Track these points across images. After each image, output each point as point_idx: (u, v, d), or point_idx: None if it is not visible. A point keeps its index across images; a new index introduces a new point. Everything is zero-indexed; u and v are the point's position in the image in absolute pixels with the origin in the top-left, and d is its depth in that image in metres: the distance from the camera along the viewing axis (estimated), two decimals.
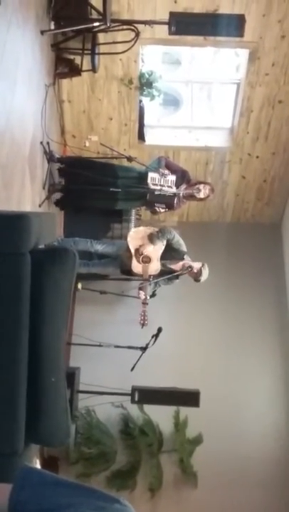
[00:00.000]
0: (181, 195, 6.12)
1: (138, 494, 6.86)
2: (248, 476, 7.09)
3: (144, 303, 5.60)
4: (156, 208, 6.19)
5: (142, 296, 5.60)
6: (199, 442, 7.15)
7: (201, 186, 6.13)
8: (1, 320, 2.82)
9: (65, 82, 7.07)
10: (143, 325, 5.54)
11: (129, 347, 6.19)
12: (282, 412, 7.54)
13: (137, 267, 5.80)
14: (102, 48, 6.59)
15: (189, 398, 6.45)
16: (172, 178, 6.02)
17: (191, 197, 6.22)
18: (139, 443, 7.07)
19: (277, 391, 7.65)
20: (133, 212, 7.38)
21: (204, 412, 6.60)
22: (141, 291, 5.66)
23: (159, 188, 5.99)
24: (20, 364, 2.86)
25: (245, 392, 7.55)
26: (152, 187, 5.98)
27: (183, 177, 6.19)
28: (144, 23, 6.04)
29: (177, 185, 6.07)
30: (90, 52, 6.45)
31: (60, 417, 3.13)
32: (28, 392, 2.91)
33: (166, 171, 6.03)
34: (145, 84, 7.27)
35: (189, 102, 8.55)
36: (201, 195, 6.16)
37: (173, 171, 6.15)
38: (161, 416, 7.10)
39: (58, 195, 6.47)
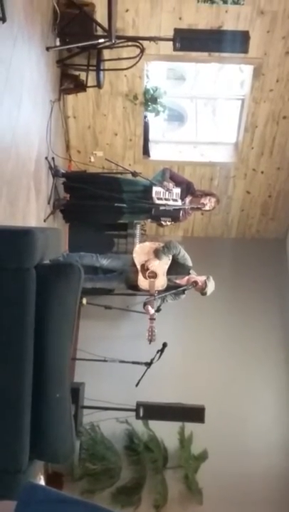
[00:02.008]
0: (186, 208, 6.12)
1: (143, 511, 6.82)
2: (254, 493, 7.03)
3: (152, 318, 5.57)
4: (162, 222, 6.19)
5: (151, 312, 5.57)
6: (204, 458, 7.11)
7: (207, 200, 6.13)
8: (6, 335, 2.82)
9: (70, 98, 7.11)
10: (151, 341, 5.51)
11: (134, 362, 6.18)
12: (287, 429, 7.49)
13: (143, 282, 5.78)
14: (107, 64, 6.63)
15: (194, 414, 6.42)
16: (177, 191, 6.02)
17: (197, 209, 6.22)
18: (143, 459, 7.03)
19: (283, 407, 7.61)
20: (138, 227, 7.38)
21: (209, 428, 6.57)
22: (149, 307, 5.63)
23: (164, 202, 5.98)
24: (25, 379, 2.85)
25: (251, 409, 7.51)
26: (157, 201, 5.97)
27: (188, 189, 6.18)
28: (149, 39, 6.07)
29: (182, 198, 6.07)
30: (95, 68, 6.49)
31: (65, 432, 3.11)
32: (33, 408, 2.90)
33: (171, 185, 6.02)
34: (150, 99, 7.31)
35: (194, 117, 8.60)
36: (207, 207, 6.17)
37: (178, 183, 6.14)
38: (166, 432, 7.06)
39: (63, 207, 6.46)
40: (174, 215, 6.12)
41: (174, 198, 6.01)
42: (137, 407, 6.40)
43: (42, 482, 5.85)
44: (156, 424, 6.96)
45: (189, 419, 6.63)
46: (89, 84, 6.65)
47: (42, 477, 6.28)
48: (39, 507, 1.58)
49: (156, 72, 7.83)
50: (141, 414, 6.42)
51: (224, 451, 7.14)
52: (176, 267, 5.84)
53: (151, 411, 6.49)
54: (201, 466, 7.10)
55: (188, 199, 6.17)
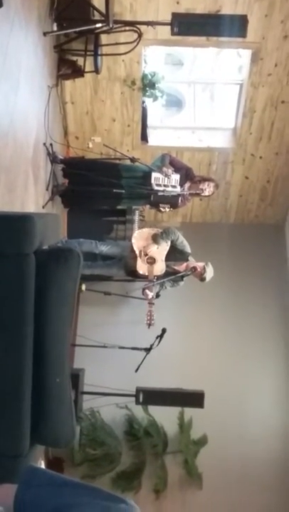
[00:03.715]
0: (185, 194, 6.11)
1: (143, 495, 6.85)
2: (253, 477, 7.07)
3: (150, 303, 5.58)
4: (161, 208, 6.18)
5: (150, 296, 5.58)
6: (204, 443, 7.14)
7: (205, 185, 6.12)
8: (6, 320, 2.82)
9: (67, 84, 7.08)
10: (150, 325, 5.53)
11: (134, 348, 6.19)
12: (286, 413, 7.52)
13: (141, 267, 5.79)
14: (104, 49, 6.59)
15: (194, 399, 6.43)
16: (176, 177, 5.99)
17: (196, 195, 6.21)
18: (143, 444, 7.07)
19: (282, 392, 7.64)
20: (137, 213, 7.37)
21: (209, 413, 6.59)
22: (147, 291, 5.64)
23: (162, 189, 5.97)
24: (25, 365, 2.86)
25: (250, 393, 7.53)
26: (156, 188, 5.95)
27: (187, 175, 6.16)
28: (147, 24, 6.04)
29: (181, 184, 6.05)
30: (92, 53, 6.45)
31: (65, 417, 3.12)
32: (33, 393, 2.91)
33: (170, 170, 6.00)
34: (148, 85, 7.27)
35: (192, 102, 8.57)
36: (206, 193, 6.16)
37: (177, 169, 6.12)
38: (166, 417, 7.10)
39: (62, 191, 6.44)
40: (173, 201, 6.10)
41: (173, 184, 5.99)
42: (136, 392, 6.41)
43: (43, 467, 5.88)
44: (156, 410, 6.99)
45: (189, 405, 6.65)
46: (86, 70, 6.62)
47: (43, 462, 6.32)
48: (40, 490, 1.58)
49: (154, 57, 7.80)
50: (140, 399, 6.43)
51: (223, 436, 7.17)
52: (175, 254, 5.85)
53: (151, 396, 6.50)
54: (200, 450, 7.14)
55: (187, 185, 6.16)
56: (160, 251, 5.74)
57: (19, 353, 2.84)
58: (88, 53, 6.47)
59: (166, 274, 5.79)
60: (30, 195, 5.21)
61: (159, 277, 5.76)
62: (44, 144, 5.83)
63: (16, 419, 2.84)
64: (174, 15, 5.73)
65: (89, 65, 6.61)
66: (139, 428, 7.07)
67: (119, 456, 6.98)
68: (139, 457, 7.07)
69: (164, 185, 5.98)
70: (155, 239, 5.72)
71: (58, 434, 3.16)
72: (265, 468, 7.16)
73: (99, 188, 6.15)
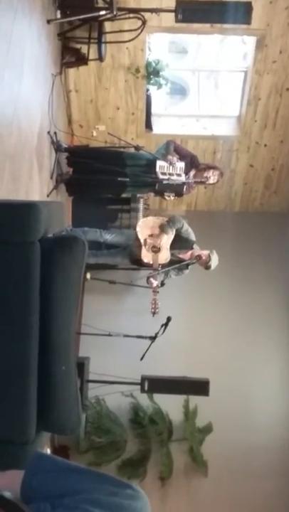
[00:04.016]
0: (190, 182, 6.09)
1: (148, 483, 6.88)
2: (258, 465, 7.11)
3: (155, 291, 5.57)
4: (166, 197, 6.16)
5: (154, 284, 5.57)
6: (209, 431, 7.16)
7: (210, 173, 6.10)
8: (11, 309, 2.83)
9: (71, 72, 7.06)
10: (154, 313, 5.51)
11: (139, 336, 6.20)
12: None
13: (146, 256, 5.78)
14: (108, 37, 6.57)
15: (199, 387, 6.45)
16: (181, 165, 5.97)
17: (200, 183, 6.20)
18: (149, 432, 7.09)
19: (286, 380, 7.65)
20: (141, 201, 7.36)
21: (214, 401, 6.61)
22: (152, 279, 5.64)
23: (167, 177, 5.95)
24: (31, 353, 2.86)
25: (255, 381, 7.55)
26: (161, 176, 5.94)
27: (192, 162, 6.14)
28: (151, 11, 6.01)
29: (186, 172, 6.04)
30: (96, 41, 6.43)
31: (71, 404, 3.13)
32: (39, 381, 2.91)
33: (175, 159, 5.98)
34: (152, 73, 7.24)
35: (196, 90, 8.53)
36: (211, 181, 6.15)
37: (182, 157, 6.10)
38: (171, 405, 7.12)
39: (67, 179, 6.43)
40: (178, 189, 6.08)
41: (178, 172, 5.97)
42: (141, 380, 6.44)
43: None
44: (161, 398, 7.01)
45: (194, 393, 6.67)
46: (90, 58, 6.60)
47: (48, 450, 6.35)
48: (46, 475, 1.59)
49: (158, 45, 7.76)
50: (146, 387, 6.46)
51: (228, 423, 7.19)
52: (180, 242, 5.83)
53: (156, 384, 6.52)
54: (205, 438, 7.16)
55: (192, 173, 6.14)
56: (165, 239, 5.74)
57: (25, 340, 2.84)
58: (92, 41, 6.45)
59: (171, 262, 5.78)
60: (34, 183, 5.21)
61: (163, 266, 5.75)
62: (48, 132, 5.82)
63: (22, 406, 2.85)
64: (178, 2, 5.71)
65: (93, 52, 6.59)
66: (144, 416, 7.10)
67: (125, 443, 7.02)
68: (144, 445, 7.10)
69: (169, 174, 5.96)
70: (160, 228, 5.71)
71: (63, 422, 3.17)
72: (270, 456, 7.18)
73: (103, 177, 6.14)
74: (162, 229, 5.71)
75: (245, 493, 6.96)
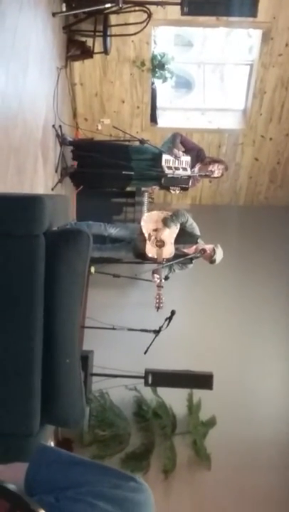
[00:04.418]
0: (195, 176, 6.08)
1: (152, 476, 6.90)
2: (262, 458, 7.11)
3: (159, 286, 5.58)
4: (172, 191, 6.15)
5: (157, 280, 5.58)
6: (213, 424, 7.18)
7: (215, 167, 6.09)
8: (16, 302, 2.83)
9: (77, 65, 7.04)
10: (158, 308, 5.51)
11: (143, 330, 6.20)
12: None
13: (150, 250, 5.78)
14: (114, 30, 6.55)
15: (203, 381, 6.46)
16: (187, 159, 5.96)
17: (205, 176, 6.19)
18: (152, 425, 7.11)
19: None
20: (146, 195, 7.35)
21: (217, 395, 6.62)
22: (155, 275, 5.64)
23: (173, 171, 5.94)
24: (35, 346, 2.87)
25: (259, 375, 7.55)
26: (167, 170, 5.93)
27: (198, 156, 6.13)
28: (156, 3, 6.00)
29: (192, 166, 6.03)
30: (101, 34, 6.42)
31: (75, 397, 3.13)
32: (43, 374, 2.92)
33: (181, 152, 5.97)
34: (157, 66, 7.22)
35: (202, 83, 8.50)
36: (215, 175, 6.14)
37: (188, 150, 6.08)
38: (175, 398, 7.13)
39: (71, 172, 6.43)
40: (183, 183, 6.07)
41: (184, 166, 5.96)
42: (145, 374, 6.44)
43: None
44: (165, 391, 7.02)
45: (198, 386, 6.68)
46: (96, 51, 6.59)
47: (52, 443, 6.37)
48: (50, 468, 1.59)
49: (164, 38, 7.74)
50: (149, 381, 6.47)
51: (232, 417, 7.20)
52: (184, 236, 5.83)
53: (160, 378, 6.53)
54: (209, 432, 7.18)
55: (197, 167, 6.13)
56: (169, 233, 5.73)
57: (29, 333, 2.85)
58: (97, 34, 6.44)
59: (176, 256, 5.78)
60: (39, 177, 5.21)
61: (168, 260, 5.75)
62: (53, 125, 5.81)
63: (26, 399, 2.86)
64: None
65: (98, 46, 6.57)
66: (148, 409, 7.11)
67: (128, 437, 7.03)
68: (148, 438, 7.12)
69: (175, 168, 5.95)
70: (165, 222, 5.71)
71: (67, 414, 3.17)
72: (274, 450, 7.19)
73: (108, 170, 6.13)
74: (164, 222, 5.71)
75: (249, 486, 6.98)
